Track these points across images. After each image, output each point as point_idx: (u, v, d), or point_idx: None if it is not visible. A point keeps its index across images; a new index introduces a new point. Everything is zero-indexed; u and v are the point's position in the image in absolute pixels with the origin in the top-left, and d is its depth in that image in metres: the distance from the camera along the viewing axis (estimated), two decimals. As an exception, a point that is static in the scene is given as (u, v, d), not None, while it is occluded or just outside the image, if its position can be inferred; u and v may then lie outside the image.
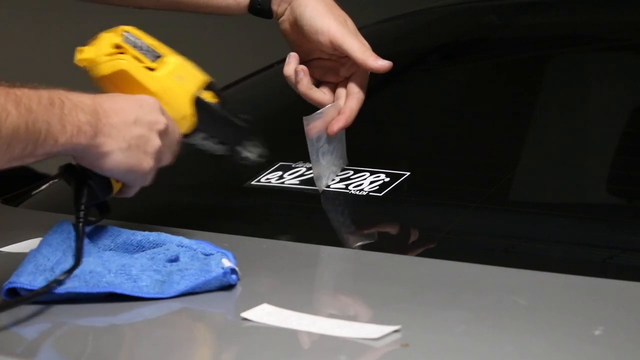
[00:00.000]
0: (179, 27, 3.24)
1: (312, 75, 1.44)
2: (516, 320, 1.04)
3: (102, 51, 1.25)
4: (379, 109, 1.78)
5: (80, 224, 1.17)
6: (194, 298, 1.12)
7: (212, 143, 1.34)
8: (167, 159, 1.24)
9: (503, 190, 1.44)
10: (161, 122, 1.21)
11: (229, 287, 1.14)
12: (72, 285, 1.09)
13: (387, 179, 1.44)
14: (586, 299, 1.10)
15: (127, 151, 1.17)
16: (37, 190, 1.76)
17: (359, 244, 1.38)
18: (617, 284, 1.13)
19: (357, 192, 1.43)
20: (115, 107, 1.17)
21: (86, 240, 1.18)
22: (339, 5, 1.45)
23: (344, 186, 1.45)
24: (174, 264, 1.16)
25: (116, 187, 1.21)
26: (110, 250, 1.20)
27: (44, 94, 1.10)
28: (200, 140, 1.33)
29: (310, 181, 1.45)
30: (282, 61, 1.46)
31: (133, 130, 1.17)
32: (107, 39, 1.26)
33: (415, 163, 1.55)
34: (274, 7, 1.45)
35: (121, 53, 1.25)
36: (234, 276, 1.14)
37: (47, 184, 1.78)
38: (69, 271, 1.11)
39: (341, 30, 1.41)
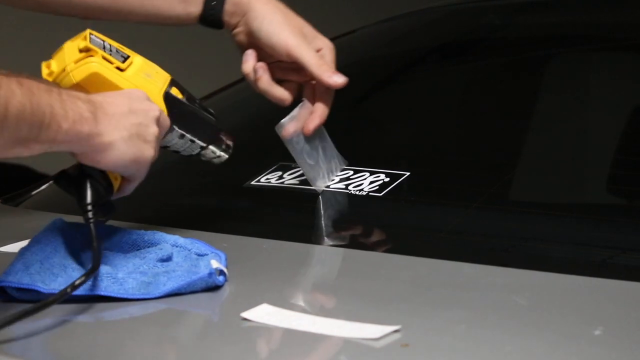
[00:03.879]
0: (174, 33, 3.26)
1: (273, 76, 1.42)
2: (516, 320, 1.04)
3: (69, 59, 1.22)
4: (379, 109, 1.78)
5: (92, 224, 1.15)
6: (194, 298, 1.12)
7: (184, 142, 1.32)
8: (157, 149, 1.22)
9: (503, 190, 1.44)
10: (155, 109, 1.20)
11: (219, 287, 1.14)
12: (57, 287, 1.09)
13: (387, 179, 1.44)
14: (586, 299, 1.10)
15: (129, 140, 1.15)
16: (37, 190, 1.77)
17: (359, 244, 1.38)
18: (617, 284, 1.13)
19: (357, 192, 1.43)
20: (107, 99, 1.16)
21: (81, 239, 1.18)
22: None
23: (344, 186, 1.45)
24: (163, 264, 1.16)
25: (115, 185, 1.20)
26: (105, 249, 1.19)
27: (41, 82, 1.10)
28: (175, 139, 1.31)
29: (310, 181, 1.46)
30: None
31: (131, 119, 1.16)
32: (72, 46, 1.23)
33: (415, 163, 1.55)
34: (226, 18, 1.42)
35: (90, 56, 1.23)
36: (221, 277, 1.14)
37: (47, 184, 1.78)
38: (87, 274, 1.09)
39: (298, 43, 1.39)
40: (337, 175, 1.47)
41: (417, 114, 1.74)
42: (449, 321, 1.03)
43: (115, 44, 1.26)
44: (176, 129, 1.30)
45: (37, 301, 1.05)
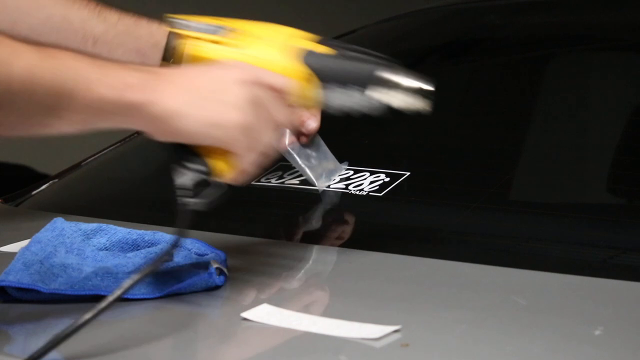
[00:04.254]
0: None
1: None
2: (516, 320, 1.04)
3: None
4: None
5: (181, 209, 1.07)
6: (194, 298, 1.12)
7: (347, 91, 1.19)
8: (282, 116, 1.08)
9: (503, 190, 1.44)
10: (238, 70, 1.06)
11: (219, 287, 1.14)
12: (57, 287, 1.09)
13: (387, 179, 1.44)
14: (586, 299, 1.10)
15: (198, 104, 1.03)
16: (37, 190, 1.77)
17: (359, 244, 1.38)
18: (617, 284, 1.13)
19: (357, 192, 1.43)
20: (173, 70, 1.06)
21: (80, 238, 1.18)
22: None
23: (344, 186, 1.45)
24: (165, 264, 1.16)
25: (218, 165, 1.07)
26: (105, 249, 1.20)
27: (76, 50, 0.99)
28: (335, 94, 1.18)
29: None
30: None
31: (198, 82, 1.04)
32: None
33: (415, 163, 1.55)
34: None
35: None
36: (221, 277, 1.14)
37: (47, 184, 1.78)
38: (170, 249, 1.04)
39: None
40: (339, 175, 1.47)
41: (417, 113, 1.74)
42: (449, 321, 1.03)
43: (202, 20, 1.15)
44: (328, 83, 1.17)
45: (38, 301, 1.05)
